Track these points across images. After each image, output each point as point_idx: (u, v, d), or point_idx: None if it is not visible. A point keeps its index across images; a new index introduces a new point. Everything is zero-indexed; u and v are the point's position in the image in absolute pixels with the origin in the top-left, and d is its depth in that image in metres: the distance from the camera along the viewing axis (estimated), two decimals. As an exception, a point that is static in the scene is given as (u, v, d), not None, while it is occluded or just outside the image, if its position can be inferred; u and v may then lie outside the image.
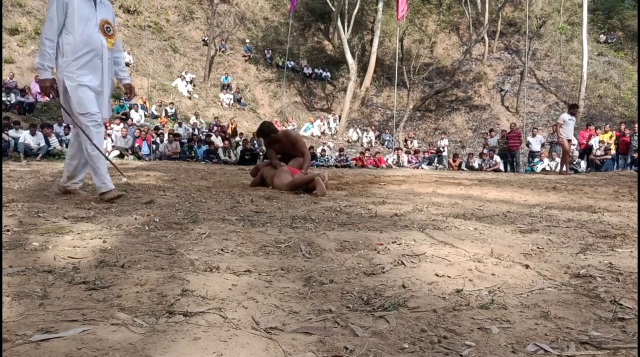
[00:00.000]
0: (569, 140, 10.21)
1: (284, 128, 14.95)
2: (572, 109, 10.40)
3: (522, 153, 14.86)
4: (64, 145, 11.81)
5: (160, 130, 14.44)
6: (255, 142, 14.76)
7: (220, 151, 13.82)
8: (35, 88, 14.48)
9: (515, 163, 14.13)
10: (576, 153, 13.52)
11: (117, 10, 21.49)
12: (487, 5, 25.76)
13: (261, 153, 13.90)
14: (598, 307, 1.24)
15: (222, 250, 1.81)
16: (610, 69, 23.87)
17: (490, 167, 13.85)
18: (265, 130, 4.86)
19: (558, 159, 13.64)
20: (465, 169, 14.20)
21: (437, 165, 15.19)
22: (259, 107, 22.54)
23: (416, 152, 16.43)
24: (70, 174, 3.36)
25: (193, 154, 13.52)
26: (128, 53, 19.41)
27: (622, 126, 13.05)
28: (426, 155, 16.24)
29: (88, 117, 3.09)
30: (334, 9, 20.93)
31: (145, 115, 16.08)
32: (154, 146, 13.29)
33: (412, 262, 1.70)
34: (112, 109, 15.99)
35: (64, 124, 12.54)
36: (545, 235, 2.23)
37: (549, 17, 25.41)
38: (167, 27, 22.98)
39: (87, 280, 1.36)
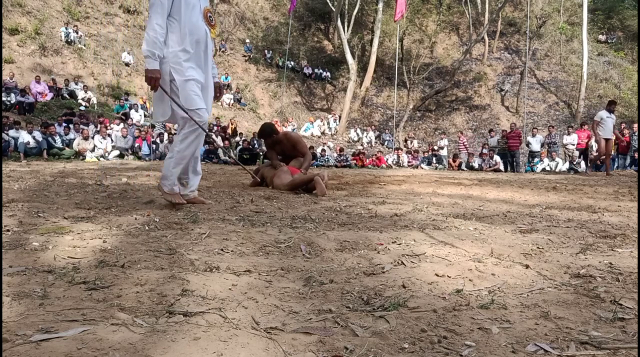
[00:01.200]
0: (607, 140, 9.46)
1: (284, 129, 14.96)
2: (610, 105, 9.53)
3: (522, 153, 14.87)
4: (65, 145, 11.83)
5: (159, 130, 14.44)
6: (255, 142, 14.77)
7: (220, 151, 13.82)
8: (35, 88, 14.50)
9: (515, 163, 14.13)
10: (576, 153, 13.53)
11: (117, 10, 21.53)
12: (487, 5, 25.77)
13: (261, 153, 13.91)
14: (598, 307, 1.24)
15: (222, 250, 1.81)
16: (610, 69, 23.88)
17: (490, 167, 13.86)
18: (267, 131, 4.87)
19: (558, 159, 13.66)
20: (465, 169, 14.21)
21: (437, 165, 15.19)
22: (259, 107, 22.54)
23: (415, 152, 16.44)
24: (183, 181, 3.04)
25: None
26: (128, 53, 19.43)
27: (622, 126, 13.04)
28: (426, 154, 16.25)
29: (196, 114, 2.85)
30: (334, 9, 20.93)
31: (145, 115, 16.08)
32: (154, 146, 13.29)
33: (412, 262, 1.70)
34: (112, 109, 16.09)
35: (64, 124, 12.56)
36: (545, 235, 2.23)
37: (549, 17, 25.44)
38: (167, 27, 22.96)
39: (87, 280, 1.36)
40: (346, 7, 23.45)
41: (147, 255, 1.69)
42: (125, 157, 12.58)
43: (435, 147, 16.33)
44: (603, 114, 9.38)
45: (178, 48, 2.80)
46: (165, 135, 13.93)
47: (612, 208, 3.38)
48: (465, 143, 16.38)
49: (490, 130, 16.61)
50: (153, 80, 2.77)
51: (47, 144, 11.18)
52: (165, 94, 2.85)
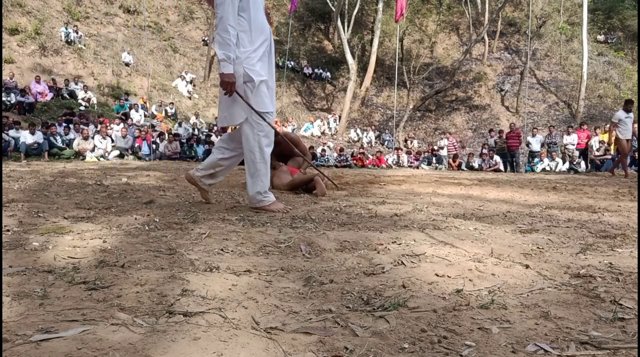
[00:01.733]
0: (628, 140, 9.18)
1: (284, 129, 14.96)
2: (627, 105, 9.22)
3: (522, 153, 14.88)
4: (65, 145, 11.82)
5: (158, 129, 14.45)
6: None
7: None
8: (35, 88, 14.49)
9: (515, 163, 14.13)
10: (576, 153, 13.53)
11: (117, 10, 21.54)
12: (487, 5, 25.77)
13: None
14: (598, 307, 1.24)
15: (222, 250, 1.81)
16: (610, 69, 23.88)
17: (490, 167, 13.86)
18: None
19: (558, 159, 13.66)
20: (465, 169, 14.21)
21: (437, 165, 15.19)
22: (259, 107, 22.51)
23: (417, 153, 16.45)
24: (214, 172, 2.97)
25: (193, 154, 13.52)
26: (128, 53, 19.43)
27: None
28: (426, 154, 16.25)
29: (267, 117, 2.77)
30: (334, 9, 20.93)
31: (145, 115, 16.08)
32: (154, 146, 13.30)
33: (412, 262, 1.70)
34: (112, 109, 16.10)
35: (64, 125, 12.56)
36: (545, 235, 2.23)
37: (549, 17, 25.44)
38: (167, 27, 22.99)
39: (87, 280, 1.36)
40: (346, 7, 23.45)
41: (147, 255, 1.69)
42: (125, 157, 12.58)
43: (435, 147, 16.33)
44: (621, 114, 9.19)
45: (250, 48, 2.68)
46: (166, 135, 13.93)
47: (612, 208, 3.38)
48: (454, 143, 16.35)
49: (490, 130, 16.63)
50: (230, 84, 2.62)
51: (48, 145, 11.18)
52: (240, 97, 2.73)
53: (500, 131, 15.72)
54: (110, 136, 12.73)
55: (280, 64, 23.88)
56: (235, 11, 2.59)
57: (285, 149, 4.93)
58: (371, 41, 23.15)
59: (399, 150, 16.40)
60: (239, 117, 2.75)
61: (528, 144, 14.47)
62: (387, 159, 15.60)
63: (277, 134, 4.88)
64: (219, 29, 2.58)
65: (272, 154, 4.86)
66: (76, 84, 16.06)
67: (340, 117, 21.66)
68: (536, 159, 14.10)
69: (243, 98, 2.71)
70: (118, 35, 20.36)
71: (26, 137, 10.91)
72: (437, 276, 1.53)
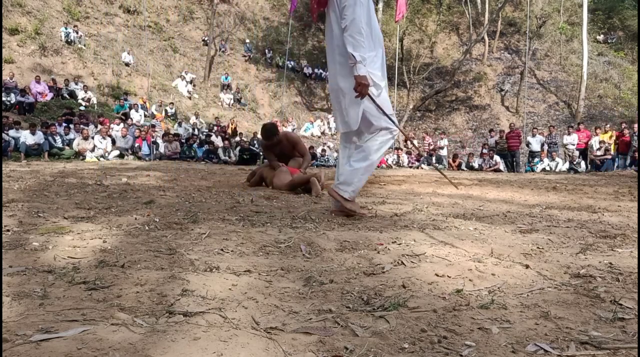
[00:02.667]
0: None
1: (284, 129, 14.97)
2: None
3: (522, 153, 14.87)
4: (65, 145, 11.82)
5: (158, 128, 14.44)
6: (255, 142, 14.76)
7: (220, 151, 13.82)
8: (35, 88, 14.47)
9: (515, 163, 14.12)
10: (576, 153, 13.53)
11: (117, 10, 21.54)
12: (487, 5, 25.76)
13: (261, 153, 13.91)
14: (598, 307, 1.24)
15: (222, 250, 1.81)
16: (610, 69, 23.88)
17: (490, 167, 13.85)
18: (273, 131, 4.85)
19: (558, 159, 13.66)
20: (465, 169, 14.21)
21: (437, 165, 15.19)
22: (259, 107, 22.55)
23: (419, 155, 16.44)
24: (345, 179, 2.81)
25: (193, 154, 13.53)
26: (128, 53, 19.43)
27: (623, 126, 13.04)
28: (425, 154, 16.24)
29: (394, 119, 2.75)
30: (334, 9, 20.89)
31: (145, 115, 16.09)
32: (154, 146, 13.30)
33: (412, 262, 1.70)
34: (112, 109, 16.10)
35: (64, 125, 12.55)
36: (545, 235, 2.23)
37: (549, 17, 25.42)
38: (167, 27, 22.99)
39: (87, 280, 1.36)
40: (346, 7, 23.42)
41: (147, 255, 1.69)
42: (125, 157, 12.58)
43: (432, 147, 16.33)
44: None
45: (372, 53, 2.65)
46: (162, 133, 13.93)
47: (612, 208, 3.38)
48: (438, 144, 16.35)
49: (491, 130, 16.62)
50: (365, 87, 2.55)
51: (48, 145, 11.18)
52: (371, 101, 2.67)
53: (501, 131, 15.71)
54: (111, 136, 12.73)
55: (280, 64, 23.88)
56: (365, 15, 2.57)
57: (286, 149, 4.93)
58: (371, 41, 23.12)
59: (399, 150, 16.40)
60: (359, 121, 2.70)
61: (528, 144, 14.46)
62: (387, 159, 15.60)
63: (277, 133, 4.90)
64: (352, 30, 2.51)
65: (272, 154, 4.89)
66: (76, 84, 16.06)
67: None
68: (536, 159, 14.10)
69: (376, 101, 2.68)
70: (118, 35, 20.36)
71: (26, 137, 10.90)
72: (437, 276, 1.53)
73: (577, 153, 13.49)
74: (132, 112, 15.63)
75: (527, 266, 1.64)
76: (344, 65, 2.65)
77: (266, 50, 25.06)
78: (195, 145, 13.92)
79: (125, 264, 1.54)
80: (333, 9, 2.68)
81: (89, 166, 8.37)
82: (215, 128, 16.17)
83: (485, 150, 14.79)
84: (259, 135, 15.63)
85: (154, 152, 13.05)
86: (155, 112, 17.04)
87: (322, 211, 2.95)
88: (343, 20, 2.55)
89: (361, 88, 2.55)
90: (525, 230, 2.36)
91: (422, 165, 15.23)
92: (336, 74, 2.71)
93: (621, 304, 1.25)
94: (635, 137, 12.08)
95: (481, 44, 25.48)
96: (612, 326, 1.12)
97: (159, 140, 13.61)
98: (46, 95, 14.87)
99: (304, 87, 24.88)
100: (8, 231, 2.04)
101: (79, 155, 11.74)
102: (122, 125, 13.71)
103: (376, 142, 2.74)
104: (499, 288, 1.40)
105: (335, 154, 15.69)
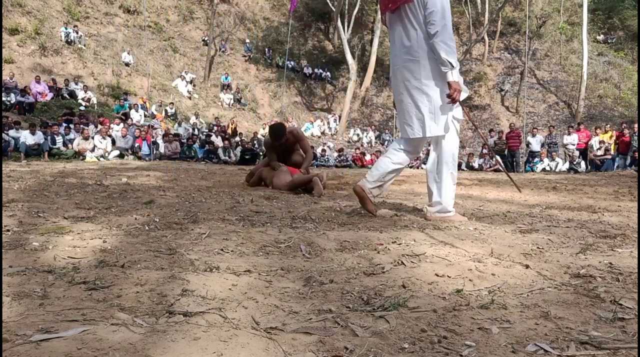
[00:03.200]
0: None
1: (288, 126, 14.94)
2: None
3: (522, 153, 14.87)
4: (66, 146, 11.82)
5: (158, 128, 14.43)
6: (255, 142, 14.76)
7: (220, 151, 13.82)
8: (35, 88, 14.47)
9: (515, 163, 14.12)
10: (576, 153, 13.52)
11: (117, 10, 21.54)
12: (487, 5, 25.77)
13: (261, 153, 13.91)
14: (598, 307, 1.24)
15: (222, 250, 1.81)
16: (610, 69, 23.88)
17: (490, 167, 13.85)
18: (282, 131, 4.79)
19: (558, 159, 13.66)
20: (465, 169, 14.20)
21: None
22: (259, 107, 22.54)
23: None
24: (382, 183, 2.82)
25: (193, 154, 13.53)
26: (128, 53, 19.43)
27: (623, 125, 13.04)
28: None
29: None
30: (334, 9, 20.93)
31: (145, 115, 16.08)
32: (154, 146, 13.30)
33: (412, 262, 1.70)
34: (112, 109, 16.10)
35: (64, 125, 12.55)
36: (545, 235, 2.23)
37: (549, 17, 25.43)
38: (167, 27, 22.99)
39: (87, 280, 1.36)
40: (346, 7, 23.45)
41: (147, 255, 1.69)
42: (125, 157, 12.58)
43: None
44: None
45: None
46: (161, 133, 13.93)
47: (612, 208, 3.38)
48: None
49: (491, 130, 16.62)
50: (459, 93, 2.59)
51: (48, 145, 11.17)
52: (461, 106, 2.73)
53: (500, 132, 15.70)
54: (111, 136, 12.73)
55: (280, 64, 23.88)
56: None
57: (290, 144, 4.91)
58: (371, 41, 23.16)
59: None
60: (447, 127, 2.68)
61: (528, 144, 14.46)
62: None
63: (285, 133, 4.87)
64: (445, 37, 2.51)
65: (274, 153, 4.87)
66: (76, 84, 16.06)
67: (340, 117, 21.66)
68: (536, 159, 14.10)
69: (464, 108, 2.74)
70: (118, 35, 20.35)
71: (26, 137, 10.90)
72: (437, 276, 1.53)
73: (577, 153, 13.49)
74: (132, 112, 15.63)
75: (527, 266, 1.64)
76: (428, 70, 2.61)
77: (266, 50, 25.07)
78: (195, 145, 13.93)
79: (125, 264, 1.54)
80: (409, 12, 2.64)
81: (89, 166, 8.37)
82: (215, 128, 16.17)
83: (485, 150, 14.79)
84: (259, 135, 15.65)
85: (154, 152, 13.05)
86: (155, 112, 17.03)
87: (322, 211, 2.95)
88: (432, 25, 2.52)
89: (456, 94, 2.56)
90: (525, 230, 2.36)
91: (422, 166, 15.24)
92: (415, 78, 2.66)
93: (621, 304, 1.25)
94: (635, 137, 12.08)
95: (481, 44, 25.49)
96: (612, 326, 1.12)
97: (159, 141, 13.61)
98: (46, 95, 14.87)
99: (304, 87, 24.88)
100: (8, 231, 2.04)
101: (79, 155, 11.74)
102: (122, 125, 13.71)
103: (451, 146, 2.74)
104: (499, 288, 1.40)
105: (335, 154, 15.69)
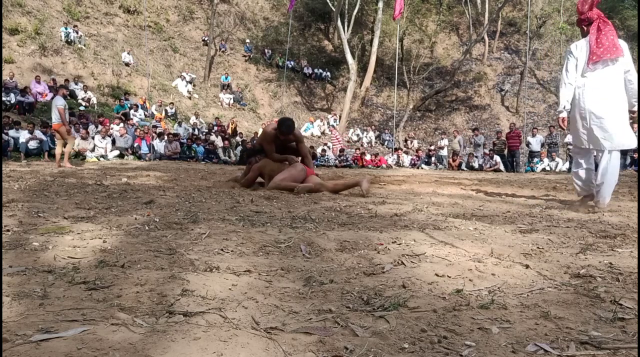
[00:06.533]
0: None
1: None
2: None
3: (522, 153, 14.87)
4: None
5: (159, 128, 14.43)
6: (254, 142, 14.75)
7: (220, 151, 13.81)
8: (35, 88, 14.47)
9: (515, 163, 14.12)
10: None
11: (117, 10, 21.53)
12: (487, 5, 25.75)
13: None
14: (598, 307, 1.24)
15: (222, 250, 1.81)
16: (610, 69, 23.80)
17: (490, 167, 13.85)
18: (294, 127, 4.69)
19: (558, 159, 13.65)
20: (465, 169, 14.20)
21: (437, 164, 15.19)
22: (259, 107, 22.53)
23: (418, 150, 16.45)
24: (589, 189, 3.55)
25: (193, 154, 13.52)
26: (128, 53, 19.42)
27: None
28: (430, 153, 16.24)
29: None
30: (334, 9, 20.92)
31: (145, 115, 16.08)
32: (154, 146, 13.30)
33: (412, 262, 1.70)
34: (112, 109, 16.10)
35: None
36: (545, 235, 2.23)
37: (549, 17, 25.42)
38: (167, 27, 22.98)
39: (87, 280, 1.36)
40: (346, 7, 23.43)
41: (147, 255, 1.69)
42: (125, 157, 12.58)
43: (433, 147, 16.33)
44: None
45: None
46: (164, 134, 13.92)
47: (612, 208, 3.38)
48: (337, 137, 16.39)
49: (474, 129, 16.66)
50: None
51: (48, 145, 11.17)
52: None
53: (498, 133, 15.71)
54: (111, 136, 12.72)
55: (280, 63, 23.87)
56: None
57: (289, 141, 4.83)
58: (371, 41, 23.14)
59: (399, 151, 16.40)
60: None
61: (528, 144, 14.46)
62: (387, 159, 15.61)
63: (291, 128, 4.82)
64: (635, 75, 3.42)
65: (273, 147, 4.81)
66: (76, 84, 16.05)
67: (340, 117, 21.65)
68: (536, 159, 14.10)
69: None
70: (118, 35, 20.34)
71: (26, 137, 10.90)
72: (437, 276, 1.53)
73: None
74: (132, 112, 15.62)
75: (527, 266, 1.64)
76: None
77: (266, 50, 25.06)
78: (195, 145, 13.93)
79: (125, 264, 1.54)
80: (619, 58, 3.49)
81: (89, 166, 8.37)
82: (215, 128, 16.16)
83: (485, 150, 14.80)
84: (259, 135, 15.63)
85: (154, 152, 13.05)
86: (155, 112, 17.02)
87: (322, 211, 2.95)
88: (631, 68, 3.45)
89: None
90: (525, 230, 2.36)
91: (422, 166, 15.24)
92: (622, 101, 3.45)
93: (621, 304, 1.25)
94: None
95: (481, 44, 25.48)
96: (612, 326, 1.12)
97: (157, 140, 13.61)
98: (46, 95, 14.87)
99: (303, 87, 24.87)
100: (8, 231, 2.04)
101: (79, 155, 11.74)
102: (122, 125, 13.71)
103: (619, 158, 3.46)
104: (499, 288, 1.40)
105: (335, 154, 15.69)
